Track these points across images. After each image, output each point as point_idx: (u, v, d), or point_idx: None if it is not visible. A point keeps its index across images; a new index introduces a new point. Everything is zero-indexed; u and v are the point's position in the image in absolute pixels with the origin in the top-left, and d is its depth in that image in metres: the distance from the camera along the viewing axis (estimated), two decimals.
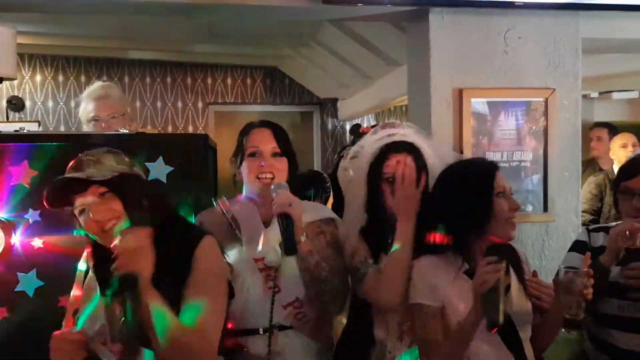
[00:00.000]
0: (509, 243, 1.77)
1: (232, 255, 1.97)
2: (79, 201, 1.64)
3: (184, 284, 1.58)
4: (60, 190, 1.64)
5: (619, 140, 4.51)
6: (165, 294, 1.52)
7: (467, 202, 1.79)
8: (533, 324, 1.86)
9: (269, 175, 2.03)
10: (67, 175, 1.65)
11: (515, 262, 1.89)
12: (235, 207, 2.09)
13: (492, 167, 1.88)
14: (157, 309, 1.49)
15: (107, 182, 1.62)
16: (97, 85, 3.03)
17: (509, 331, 1.78)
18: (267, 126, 2.10)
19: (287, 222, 1.90)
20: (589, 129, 5.01)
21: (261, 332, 1.96)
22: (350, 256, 2.00)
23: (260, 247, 1.99)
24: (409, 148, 2.00)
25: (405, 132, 2.07)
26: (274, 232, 1.96)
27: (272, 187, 1.99)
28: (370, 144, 2.05)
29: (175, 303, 1.55)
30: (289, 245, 1.88)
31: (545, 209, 2.93)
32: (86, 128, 2.99)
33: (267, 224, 2.04)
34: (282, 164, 2.06)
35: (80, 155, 1.71)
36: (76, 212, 1.65)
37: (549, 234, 2.91)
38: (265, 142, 2.06)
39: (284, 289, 1.98)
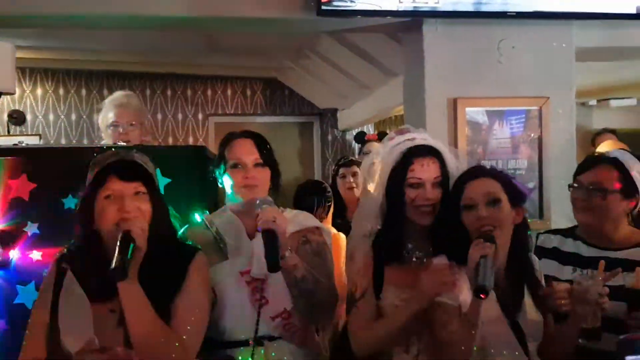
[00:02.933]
0: (492, 234, 1.78)
1: (218, 268, 1.97)
2: (116, 185, 1.69)
3: (175, 294, 1.71)
4: (108, 169, 1.70)
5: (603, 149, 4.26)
6: (156, 300, 1.66)
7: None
8: (549, 335, 1.86)
9: (252, 188, 2.01)
10: (122, 158, 1.72)
11: (529, 272, 1.91)
12: (220, 220, 2.10)
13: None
14: (141, 302, 1.63)
15: (147, 183, 1.73)
16: (119, 93, 3.16)
17: (519, 340, 1.80)
18: (248, 136, 2.08)
19: (270, 239, 1.86)
20: (595, 135, 5.02)
21: (250, 344, 1.95)
22: (354, 274, 1.95)
23: (245, 260, 1.99)
24: (433, 152, 1.95)
25: (425, 137, 2.03)
26: (260, 244, 1.93)
27: (257, 202, 1.96)
28: (389, 149, 1.99)
29: (163, 309, 1.68)
30: (271, 263, 1.84)
31: (541, 216, 2.94)
32: (104, 135, 3.08)
33: (251, 235, 2.02)
34: (265, 174, 2.05)
35: (119, 151, 1.81)
36: (102, 195, 1.69)
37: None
38: (247, 153, 2.04)
39: (272, 301, 1.97)
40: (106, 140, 3.07)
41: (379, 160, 2.00)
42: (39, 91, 5.99)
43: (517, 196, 1.88)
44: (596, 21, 3.00)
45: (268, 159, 2.07)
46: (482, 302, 1.70)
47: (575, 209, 2.16)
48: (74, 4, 2.73)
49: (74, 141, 5.85)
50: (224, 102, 6.34)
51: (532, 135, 2.95)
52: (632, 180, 2.10)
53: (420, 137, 2.01)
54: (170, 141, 6.11)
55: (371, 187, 2.02)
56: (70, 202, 2.33)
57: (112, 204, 1.68)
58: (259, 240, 1.95)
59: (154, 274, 1.67)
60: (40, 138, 5.82)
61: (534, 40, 2.96)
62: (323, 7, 2.68)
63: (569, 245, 2.18)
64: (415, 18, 2.86)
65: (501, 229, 1.81)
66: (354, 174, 3.76)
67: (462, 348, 1.74)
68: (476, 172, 1.94)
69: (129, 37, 4.33)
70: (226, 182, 2.08)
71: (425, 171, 1.92)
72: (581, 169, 2.19)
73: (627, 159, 2.15)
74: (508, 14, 2.85)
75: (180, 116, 6.23)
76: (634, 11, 2.92)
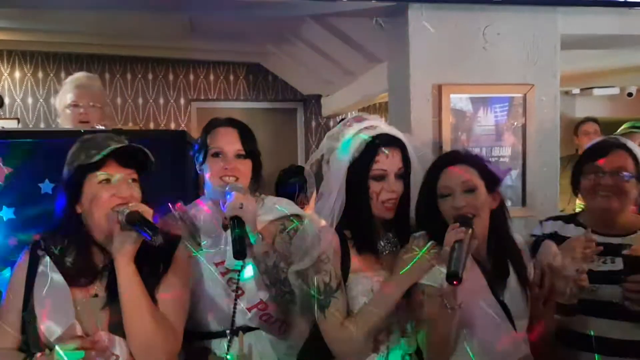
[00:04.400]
0: (470, 215, 1.78)
1: (193, 259, 1.94)
2: (113, 170, 1.68)
3: (161, 279, 1.72)
4: (106, 154, 1.67)
5: None
6: (147, 282, 1.67)
7: None
8: (535, 312, 1.87)
9: (231, 179, 1.98)
10: (119, 144, 1.68)
11: (513, 251, 1.91)
12: (195, 211, 2.06)
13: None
14: (137, 287, 1.63)
15: (139, 171, 1.73)
16: (80, 74, 3.09)
17: (507, 321, 1.81)
18: (232, 125, 2.04)
19: (237, 226, 1.83)
20: (578, 123, 5.06)
21: (227, 335, 1.94)
22: (317, 263, 1.83)
23: (220, 251, 1.96)
24: (397, 142, 1.88)
25: (386, 125, 1.94)
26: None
27: (227, 188, 1.92)
28: (348, 138, 1.89)
29: (151, 292, 1.68)
30: (237, 250, 1.81)
31: (524, 203, 2.94)
32: (62, 116, 2.98)
33: (226, 226, 1.98)
34: (246, 166, 2.01)
35: (111, 134, 1.77)
36: (96, 179, 1.67)
37: (528, 229, 2.92)
38: (230, 142, 2.00)
39: (247, 292, 1.95)
40: (62, 122, 2.97)
41: (336, 149, 1.91)
42: (17, 74, 5.87)
43: (493, 181, 1.87)
44: (581, 8, 2.99)
45: (250, 150, 2.02)
46: (458, 287, 1.68)
47: (598, 195, 2.13)
48: None
49: (54, 125, 5.75)
50: (206, 87, 6.26)
51: (516, 122, 2.94)
52: None
53: (382, 125, 1.91)
54: (152, 126, 6.04)
55: (330, 176, 1.92)
56: (47, 187, 2.29)
57: (107, 189, 1.67)
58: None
59: (142, 259, 1.67)
60: (18, 122, 5.72)
61: (519, 26, 2.94)
62: None
63: (570, 231, 2.18)
64: (400, 3, 2.83)
65: (479, 216, 1.81)
66: None
67: (441, 329, 1.73)
68: (452, 158, 1.91)
69: (109, 19, 4.24)
70: (205, 171, 2.04)
71: (389, 162, 1.84)
72: (596, 154, 2.17)
73: (633, 145, 2.20)
74: (494, 0, 2.83)
75: (161, 101, 6.15)
76: None
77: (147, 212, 1.65)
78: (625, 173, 2.10)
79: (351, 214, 1.87)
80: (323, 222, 2.41)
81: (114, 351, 1.64)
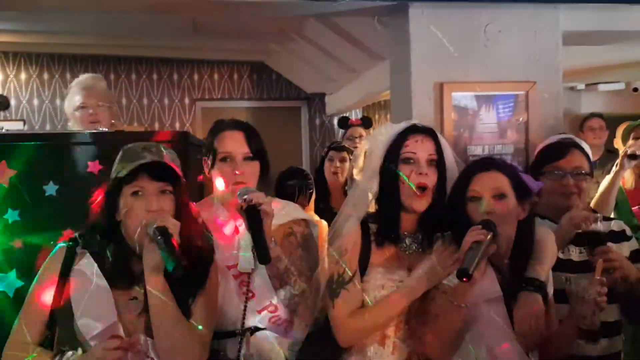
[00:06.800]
0: (491, 220, 1.78)
1: None
2: (144, 183, 1.70)
3: (197, 293, 1.75)
4: (136, 170, 1.68)
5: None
6: (180, 298, 1.70)
7: None
8: (548, 334, 1.84)
9: (241, 184, 1.99)
10: (149, 159, 1.69)
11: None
12: (206, 213, 2.06)
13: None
14: (165, 300, 1.64)
15: (174, 183, 1.73)
16: (85, 75, 3.10)
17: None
18: (238, 128, 2.05)
19: (257, 231, 1.84)
20: (583, 119, 5.04)
21: (237, 335, 1.96)
22: (342, 255, 1.89)
23: (232, 253, 1.98)
24: (428, 131, 1.94)
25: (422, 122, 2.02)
26: (246, 238, 1.94)
27: (239, 192, 1.93)
28: (384, 131, 1.99)
29: (185, 307, 1.71)
30: (262, 255, 1.83)
31: None
32: (71, 119, 2.99)
33: (237, 229, 2.01)
34: (254, 168, 2.03)
35: (150, 143, 1.79)
36: (129, 191, 1.69)
37: None
38: (237, 146, 2.01)
39: (258, 295, 1.97)
40: (72, 124, 2.99)
41: (375, 141, 1.98)
42: (23, 75, 5.90)
43: (524, 192, 1.88)
44: (583, 4, 2.98)
45: (258, 151, 2.04)
46: (468, 287, 1.71)
47: (563, 194, 2.19)
48: None
49: (59, 127, 5.78)
50: (210, 87, 6.28)
51: (519, 120, 2.93)
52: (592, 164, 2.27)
53: (417, 121, 2.00)
54: (157, 126, 6.07)
55: (366, 167, 1.99)
56: (51, 189, 2.30)
57: (139, 201, 1.69)
58: (245, 234, 1.96)
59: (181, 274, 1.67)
60: (24, 123, 5.76)
61: (521, 24, 2.93)
62: None
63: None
64: (402, 1, 2.83)
65: (505, 223, 1.81)
66: (342, 160, 3.76)
67: (445, 325, 1.75)
68: (485, 164, 1.93)
69: (113, 20, 4.27)
70: (214, 175, 2.05)
71: (419, 147, 1.89)
72: (555, 156, 2.24)
73: (584, 145, 2.30)
74: None
75: (166, 101, 6.17)
76: None
77: (174, 226, 1.65)
78: (583, 171, 2.20)
79: (381, 203, 1.93)
80: (324, 223, 2.43)
81: (150, 354, 1.66)
